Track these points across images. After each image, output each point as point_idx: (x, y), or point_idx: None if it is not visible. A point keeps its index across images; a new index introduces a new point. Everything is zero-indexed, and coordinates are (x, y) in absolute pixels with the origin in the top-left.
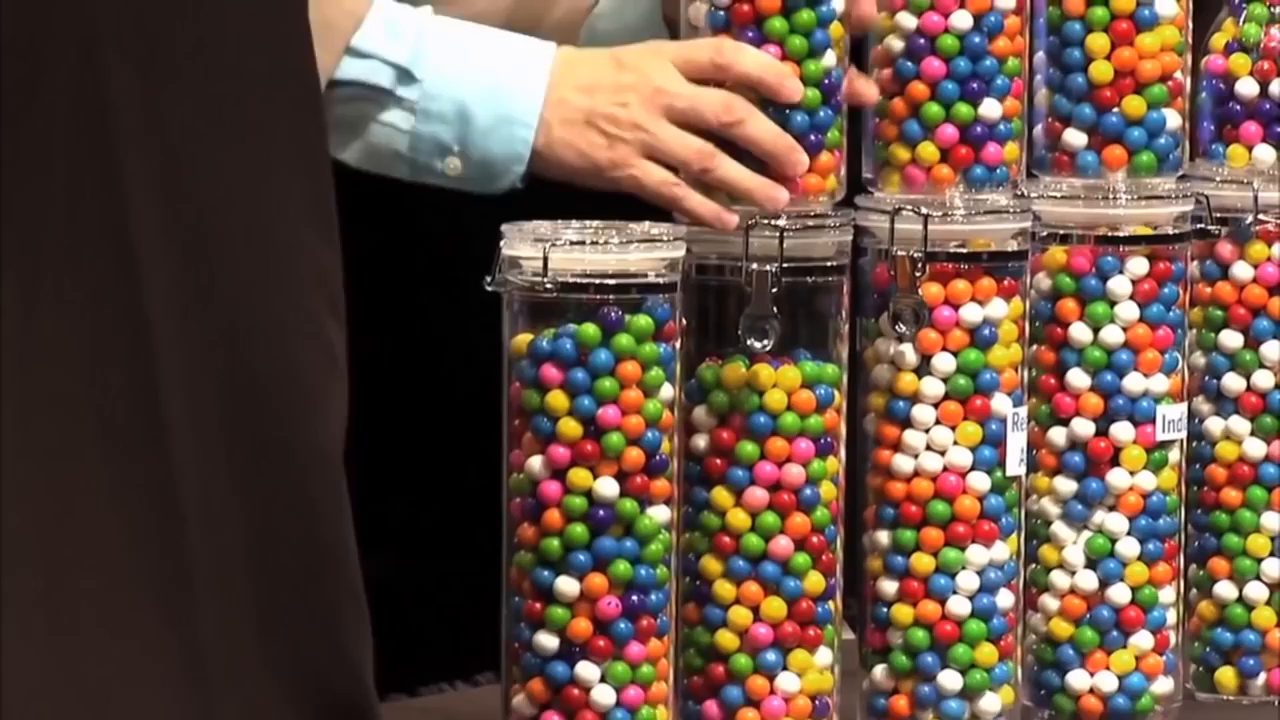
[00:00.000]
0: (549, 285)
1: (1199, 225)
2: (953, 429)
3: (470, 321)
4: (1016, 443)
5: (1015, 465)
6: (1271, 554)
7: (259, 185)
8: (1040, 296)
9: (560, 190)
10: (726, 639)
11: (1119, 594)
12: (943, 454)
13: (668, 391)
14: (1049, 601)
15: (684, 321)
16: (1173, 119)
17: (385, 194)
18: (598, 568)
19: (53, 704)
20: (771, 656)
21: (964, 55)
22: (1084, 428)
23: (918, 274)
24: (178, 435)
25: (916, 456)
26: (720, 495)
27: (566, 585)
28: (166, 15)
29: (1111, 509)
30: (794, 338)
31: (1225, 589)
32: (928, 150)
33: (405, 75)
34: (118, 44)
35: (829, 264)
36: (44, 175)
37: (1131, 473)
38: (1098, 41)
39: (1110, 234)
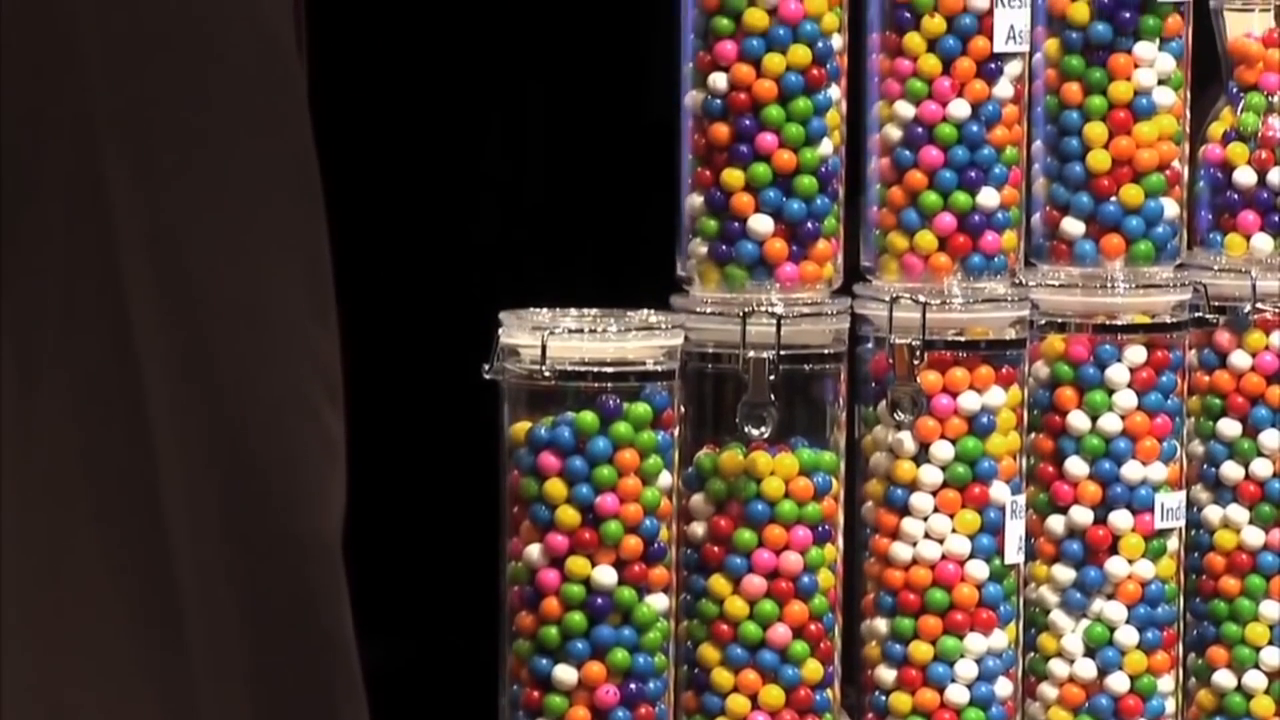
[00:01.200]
0: (547, 373)
1: (1197, 314)
2: (951, 517)
3: (468, 409)
4: (1015, 530)
5: (1014, 553)
6: (1270, 643)
7: (257, 273)
8: (1038, 384)
9: (556, 274)
10: None
11: (1118, 682)
12: (941, 542)
13: (666, 479)
14: (1048, 690)
15: (682, 409)
16: (1170, 208)
17: (383, 280)
18: (596, 656)
19: None
20: None
21: (962, 144)
22: (1082, 516)
23: (916, 362)
24: (175, 522)
25: (914, 544)
26: (718, 583)
27: (564, 673)
28: (165, 108)
29: (1110, 597)
30: (791, 425)
31: (1224, 678)
32: (926, 238)
33: None
34: (116, 136)
35: (826, 352)
36: (42, 264)
37: (1130, 561)
38: (1095, 130)
39: (1108, 322)
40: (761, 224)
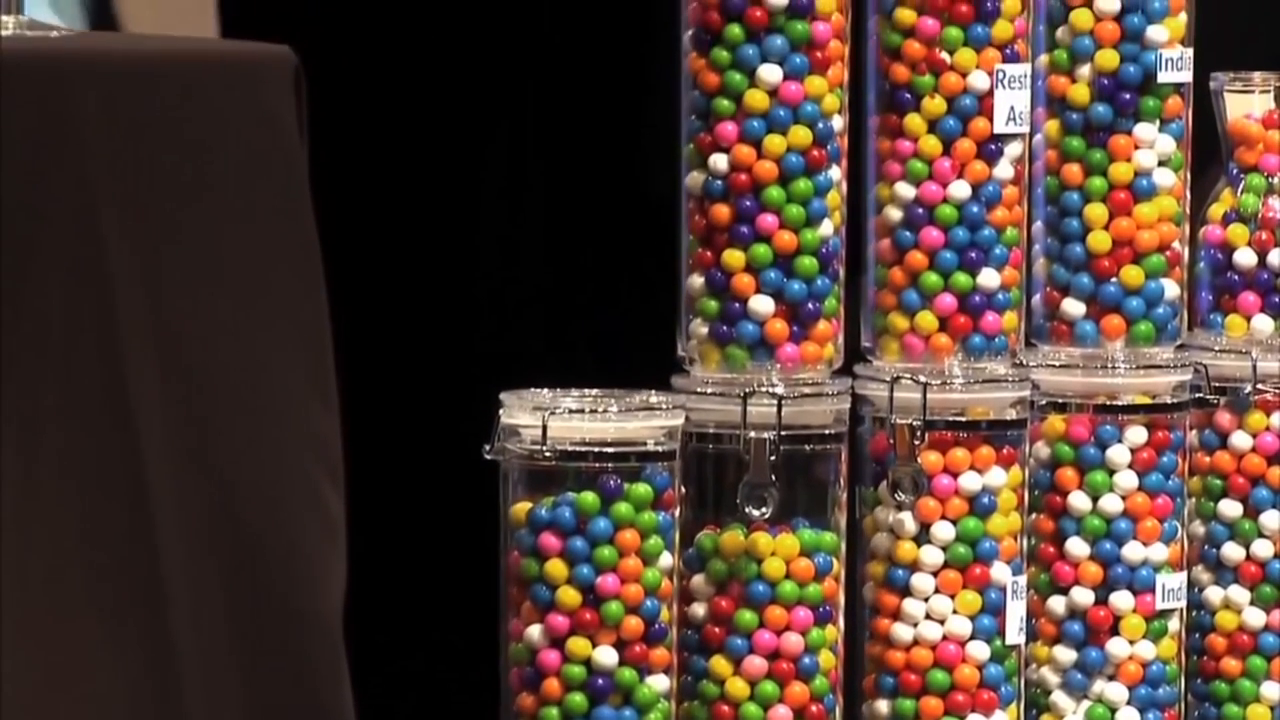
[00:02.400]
0: (548, 453)
1: (1197, 394)
2: (952, 597)
3: (468, 489)
4: (1016, 611)
5: (1015, 634)
6: None
7: (258, 354)
8: (1039, 465)
9: (557, 354)
10: None
11: None
12: (942, 622)
13: (666, 560)
14: None
15: (683, 489)
16: (1171, 289)
17: (384, 359)
18: None
19: None
20: None
21: (962, 225)
22: (1083, 596)
23: (916, 442)
24: (176, 601)
25: (915, 625)
26: (719, 664)
27: None
28: (167, 190)
29: (1111, 678)
30: (792, 505)
31: None
32: (926, 319)
33: None
34: (117, 215)
35: (827, 432)
36: (42, 343)
37: (1131, 642)
38: (1096, 211)
39: (1109, 403)
40: (762, 305)
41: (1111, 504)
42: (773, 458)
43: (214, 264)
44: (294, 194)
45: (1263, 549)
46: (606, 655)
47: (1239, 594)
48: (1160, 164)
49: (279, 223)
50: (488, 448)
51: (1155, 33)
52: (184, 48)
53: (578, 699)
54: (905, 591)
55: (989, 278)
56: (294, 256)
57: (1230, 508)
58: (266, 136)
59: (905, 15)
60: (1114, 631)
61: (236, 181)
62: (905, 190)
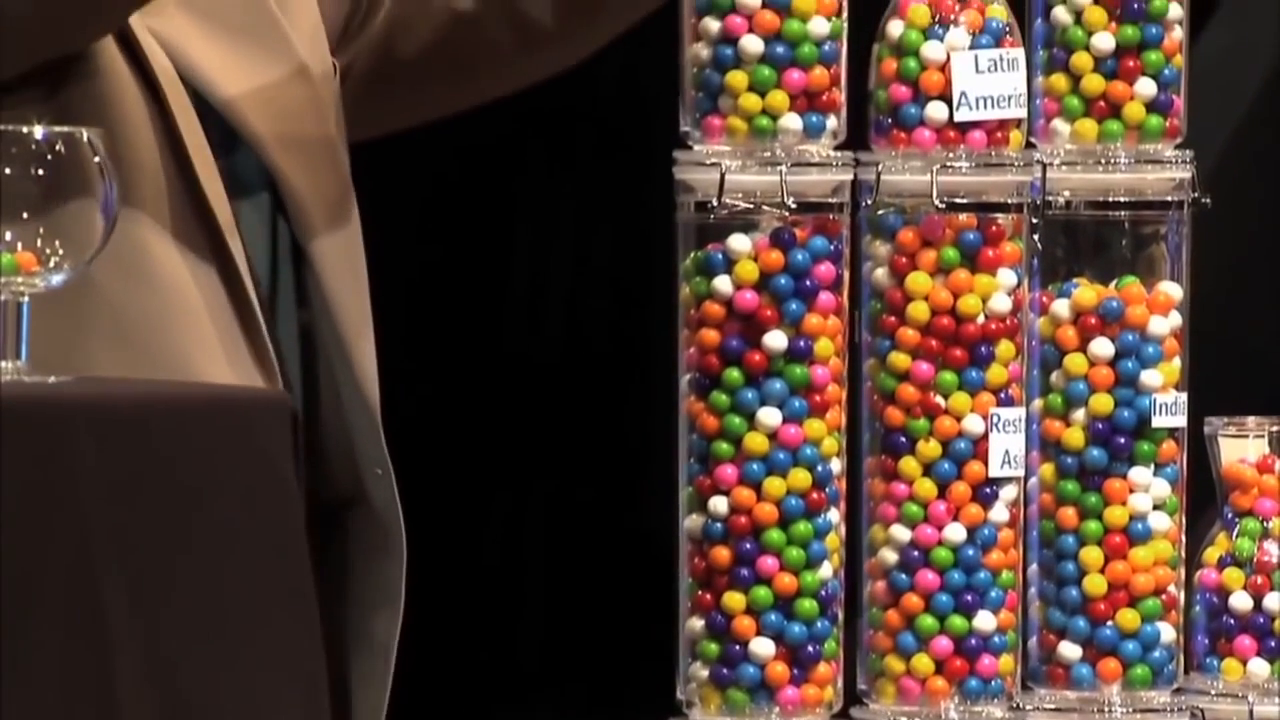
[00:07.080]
0: None
1: None
2: None
3: None
4: None
5: None
6: None
7: (253, 697)
8: None
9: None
10: None
11: None
12: None
13: None
14: None
15: None
16: (1167, 632)
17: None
18: None
19: None
20: None
21: (958, 567)
22: None
23: None
24: None
25: None
26: None
27: None
28: (162, 532)
29: None
30: None
31: None
32: (922, 662)
33: None
34: (113, 562)
35: None
36: (40, 691)
37: None
38: (1091, 555)
39: None
40: (763, 647)
41: None
42: None
43: (209, 608)
44: (289, 537)
45: None
46: None
47: None
48: (1155, 508)
49: (274, 565)
50: None
51: (1150, 378)
52: (180, 392)
53: None
54: None
55: (985, 620)
56: (288, 599)
57: None
58: (262, 480)
59: (900, 359)
60: None
61: (232, 525)
62: (900, 533)
